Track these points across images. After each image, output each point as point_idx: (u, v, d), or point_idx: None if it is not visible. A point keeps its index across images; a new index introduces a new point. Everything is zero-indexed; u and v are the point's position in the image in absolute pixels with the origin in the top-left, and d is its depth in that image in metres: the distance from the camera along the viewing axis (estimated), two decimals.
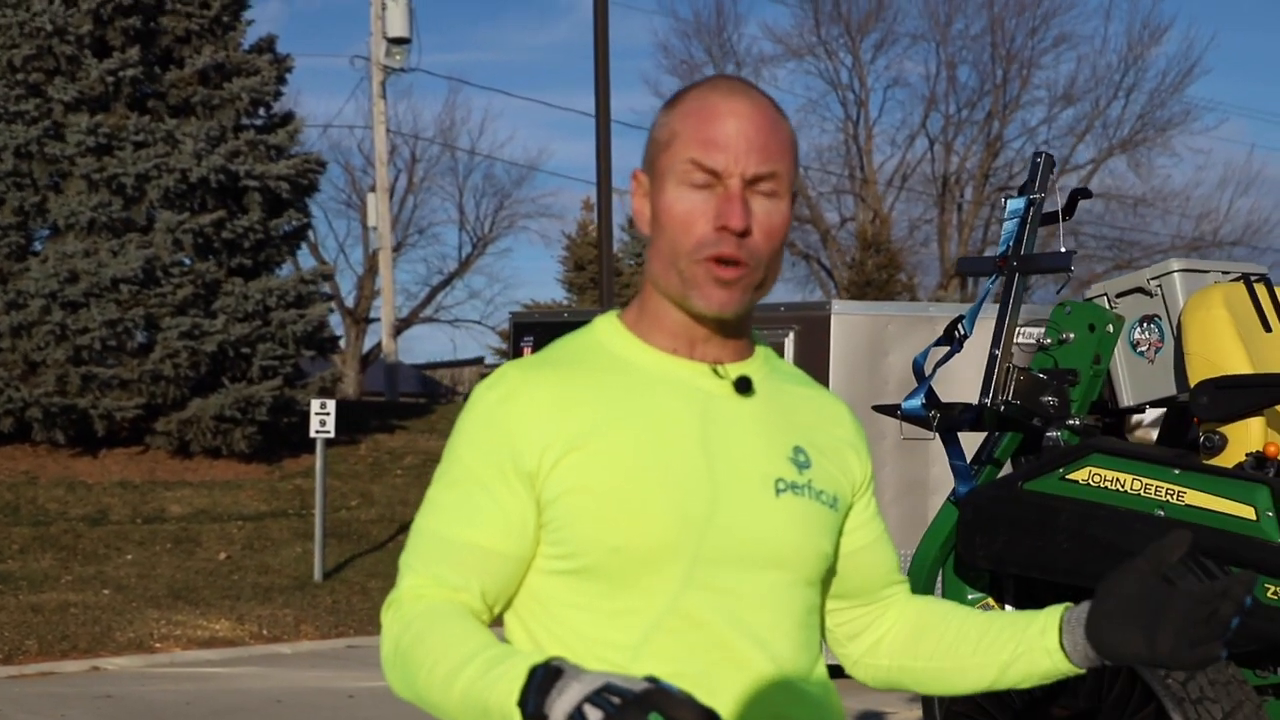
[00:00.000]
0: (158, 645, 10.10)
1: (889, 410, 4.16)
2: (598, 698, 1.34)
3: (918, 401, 3.96)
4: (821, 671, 1.72)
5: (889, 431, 8.85)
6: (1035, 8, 32.37)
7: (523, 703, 1.40)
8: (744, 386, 1.69)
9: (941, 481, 8.79)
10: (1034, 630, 1.71)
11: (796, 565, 1.68)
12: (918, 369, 4.03)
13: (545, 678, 1.40)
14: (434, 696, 1.53)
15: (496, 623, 1.69)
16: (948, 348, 4.07)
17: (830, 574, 1.77)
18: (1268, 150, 53.40)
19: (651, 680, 1.37)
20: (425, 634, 1.56)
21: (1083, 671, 1.68)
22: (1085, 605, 1.67)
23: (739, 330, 1.71)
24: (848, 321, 9.19)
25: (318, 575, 12.11)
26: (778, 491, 1.67)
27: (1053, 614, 1.71)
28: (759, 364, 1.74)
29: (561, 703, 1.36)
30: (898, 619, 1.84)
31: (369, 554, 13.15)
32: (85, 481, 14.41)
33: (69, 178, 15.01)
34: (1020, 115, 33.22)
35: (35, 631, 9.93)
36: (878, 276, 27.29)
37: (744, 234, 1.62)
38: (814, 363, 8.92)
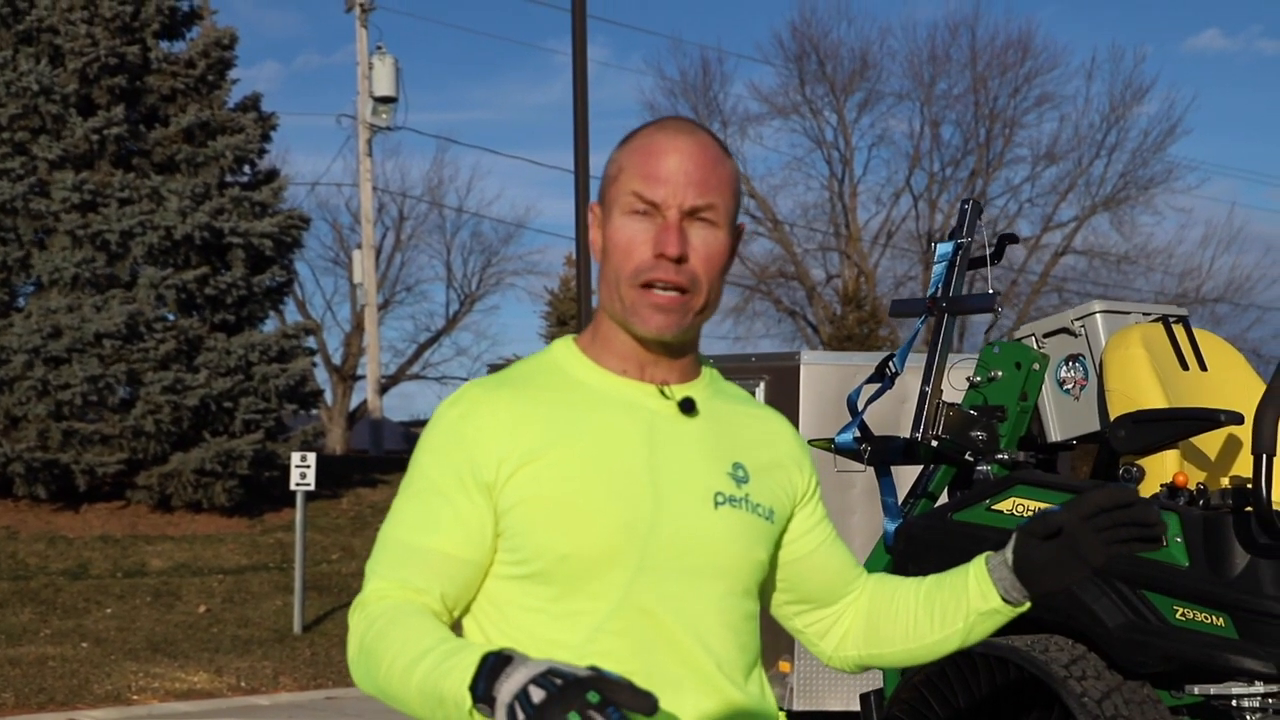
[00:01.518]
0: (135, 698, 10.14)
1: (822, 444, 4.31)
2: (542, 679, 1.45)
3: (850, 435, 4.11)
4: (759, 676, 1.83)
5: (858, 480, 8.97)
6: (1018, 68, 32.77)
7: (474, 686, 1.50)
8: (688, 407, 1.81)
9: None
10: (975, 596, 1.87)
11: (733, 573, 1.80)
12: (851, 404, 4.18)
13: (496, 664, 1.50)
14: (394, 688, 1.64)
15: (456, 627, 1.80)
16: (879, 384, 4.23)
17: (769, 583, 1.91)
18: (1249, 208, 53.93)
19: (593, 669, 1.48)
20: (387, 630, 1.67)
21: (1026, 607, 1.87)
22: (1006, 555, 1.85)
23: (684, 353, 1.84)
24: (816, 371, 9.32)
25: (297, 628, 12.16)
26: (716, 504, 1.78)
27: (982, 575, 1.87)
28: (704, 385, 1.87)
29: (509, 685, 1.47)
30: (854, 611, 1.99)
31: (349, 606, 13.18)
32: (66, 536, 14.47)
33: (53, 234, 15.18)
34: (1004, 173, 33.55)
35: (12, 684, 9.96)
36: (859, 331, 27.48)
37: (680, 260, 1.75)
38: (784, 411, 8.93)
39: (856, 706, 8.79)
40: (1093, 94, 50.85)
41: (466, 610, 1.80)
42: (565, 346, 1.87)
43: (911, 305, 4.47)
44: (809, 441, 4.54)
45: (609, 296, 1.80)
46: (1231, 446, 4.22)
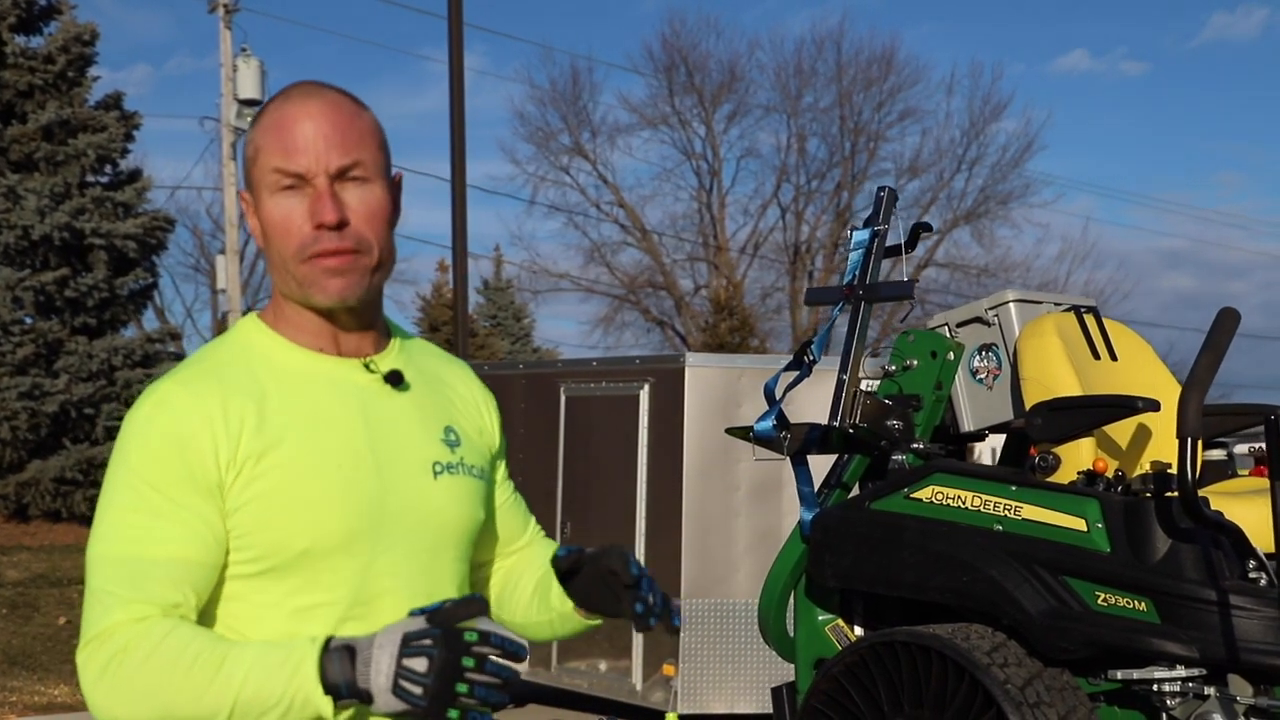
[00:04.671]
0: None
1: (741, 433, 4.26)
2: (410, 650, 1.43)
3: (769, 423, 4.06)
4: None
5: (742, 482, 8.96)
6: (882, 83, 33.36)
7: (333, 689, 1.46)
8: (396, 380, 1.78)
9: None
10: (555, 598, 1.88)
11: (459, 540, 1.80)
12: (769, 393, 4.14)
13: (342, 660, 1.47)
14: (185, 709, 1.55)
15: None
16: (797, 372, 4.20)
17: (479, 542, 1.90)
18: (1102, 224, 55.64)
19: (418, 611, 1.48)
20: (159, 651, 1.56)
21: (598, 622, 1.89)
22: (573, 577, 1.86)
23: (373, 321, 1.80)
24: (701, 374, 9.28)
25: None
26: (435, 474, 1.77)
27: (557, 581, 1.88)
28: (399, 351, 1.83)
29: (378, 670, 1.44)
30: (500, 570, 2.00)
31: None
32: None
33: None
34: (868, 186, 34.05)
35: None
36: (731, 340, 27.66)
37: (340, 226, 1.70)
38: (668, 415, 9.01)
39: (740, 709, 8.83)
40: (953, 109, 52.09)
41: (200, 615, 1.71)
42: (255, 327, 1.80)
43: (828, 293, 4.44)
44: (727, 430, 4.51)
45: (282, 279, 1.74)
46: (1141, 434, 4.26)
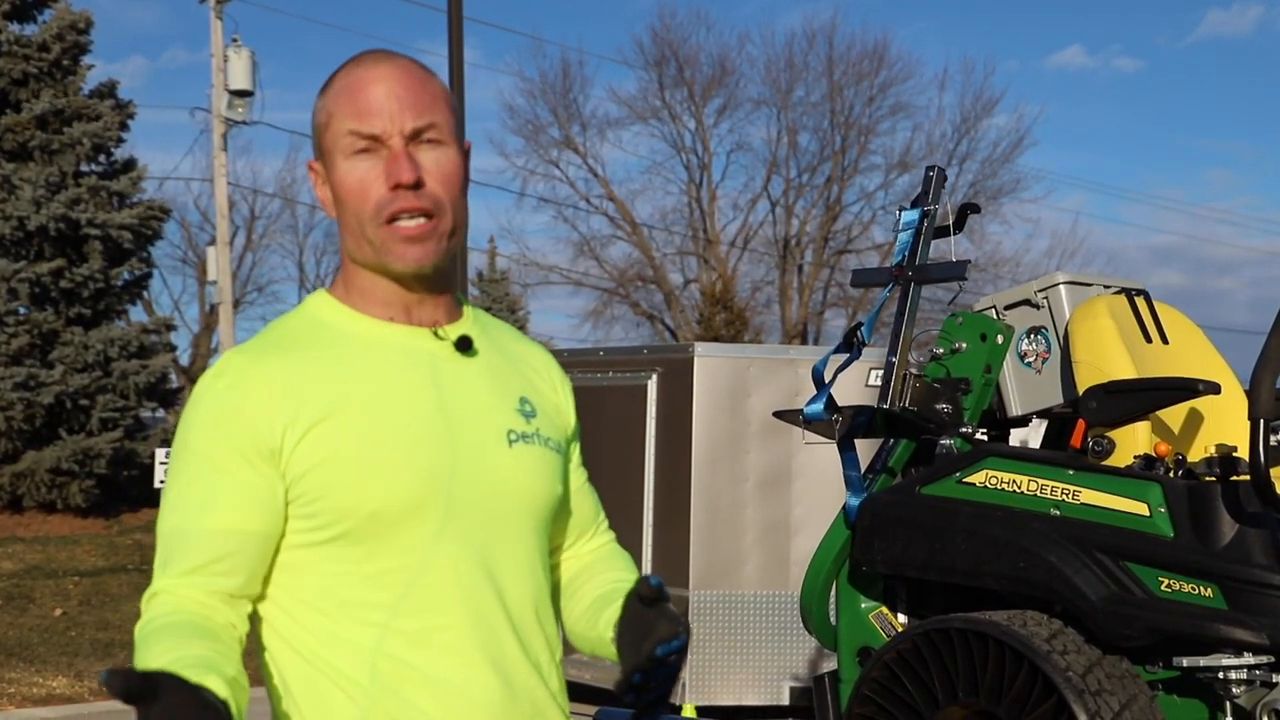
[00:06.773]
0: None
1: (791, 416, 4.19)
2: None
3: (820, 406, 4.00)
4: (550, 611, 1.80)
5: (751, 473, 8.90)
6: (873, 77, 33.34)
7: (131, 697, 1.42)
8: (465, 345, 1.76)
9: (804, 523, 8.84)
10: (603, 622, 1.82)
11: (534, 511, 1.77)
12: (817, 376, 4.07)
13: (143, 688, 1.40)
14: None
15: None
16: (846, 355, 4.13)
17: (558, 516, 1.85)
18: (1093, 219, 55.78)
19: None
20: (143, 635, 1.59)
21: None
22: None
23: (445, 289, 1.78)
24: (710, 364, 9.21)
25: None
26: (510, 442, 1.75)
27: (617, 609, 1.79)
28: (471, 322, 1.81)
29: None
30: (568, 566, 1.95)
31: None
32: None
33: None
34: (859, 180, 34.06)
35: None
36: (725, 334, 27.63)
37: (417, 186, 1.68)
38: (677, 405, 8.95)
39: (749, 701, 8.77)
40: (945, 104, 52.14)
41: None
42: (323, 300, 1.79)
43: (876, 274, 4.38)
44: (775, 414, 4.44)
45: (356, 245, 1.73)
46: (1193, 418, 4.20)
